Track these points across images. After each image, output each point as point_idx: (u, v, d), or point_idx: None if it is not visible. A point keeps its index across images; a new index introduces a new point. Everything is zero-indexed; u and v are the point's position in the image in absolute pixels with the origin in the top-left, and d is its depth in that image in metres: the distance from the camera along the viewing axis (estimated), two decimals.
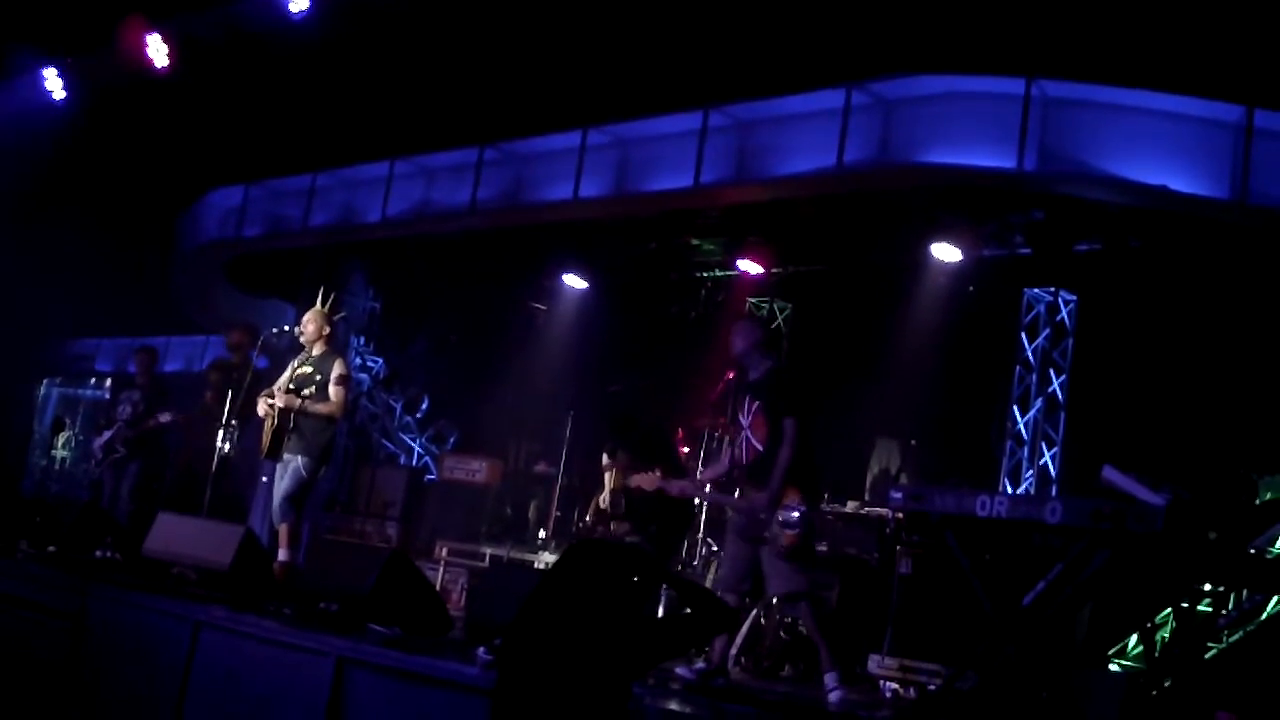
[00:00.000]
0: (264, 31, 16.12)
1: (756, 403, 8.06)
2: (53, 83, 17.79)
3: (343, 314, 10.55)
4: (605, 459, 10.91)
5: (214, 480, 11.00)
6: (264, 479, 11.86)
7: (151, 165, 19.89)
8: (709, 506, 11.51)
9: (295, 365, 10.15)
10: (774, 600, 8.22)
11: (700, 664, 7.97)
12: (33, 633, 9.27)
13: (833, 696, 7.73)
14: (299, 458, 9.93)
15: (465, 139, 15.64)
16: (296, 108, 17.66)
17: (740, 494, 8.20)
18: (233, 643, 8.12)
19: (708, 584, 10.94)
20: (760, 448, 7.98)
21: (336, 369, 10.00)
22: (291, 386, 10.01)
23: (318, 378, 10.01)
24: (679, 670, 7.85)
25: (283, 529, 9.93)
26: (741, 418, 8.19)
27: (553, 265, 15.42)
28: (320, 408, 9.90)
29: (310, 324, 10.22)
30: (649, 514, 10.30)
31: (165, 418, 12.15)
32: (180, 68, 16.16)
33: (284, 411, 9.91)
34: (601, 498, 10.84)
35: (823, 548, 9.60)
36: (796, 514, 7.74)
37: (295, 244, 17.41)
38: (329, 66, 16.69)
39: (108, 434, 12.48)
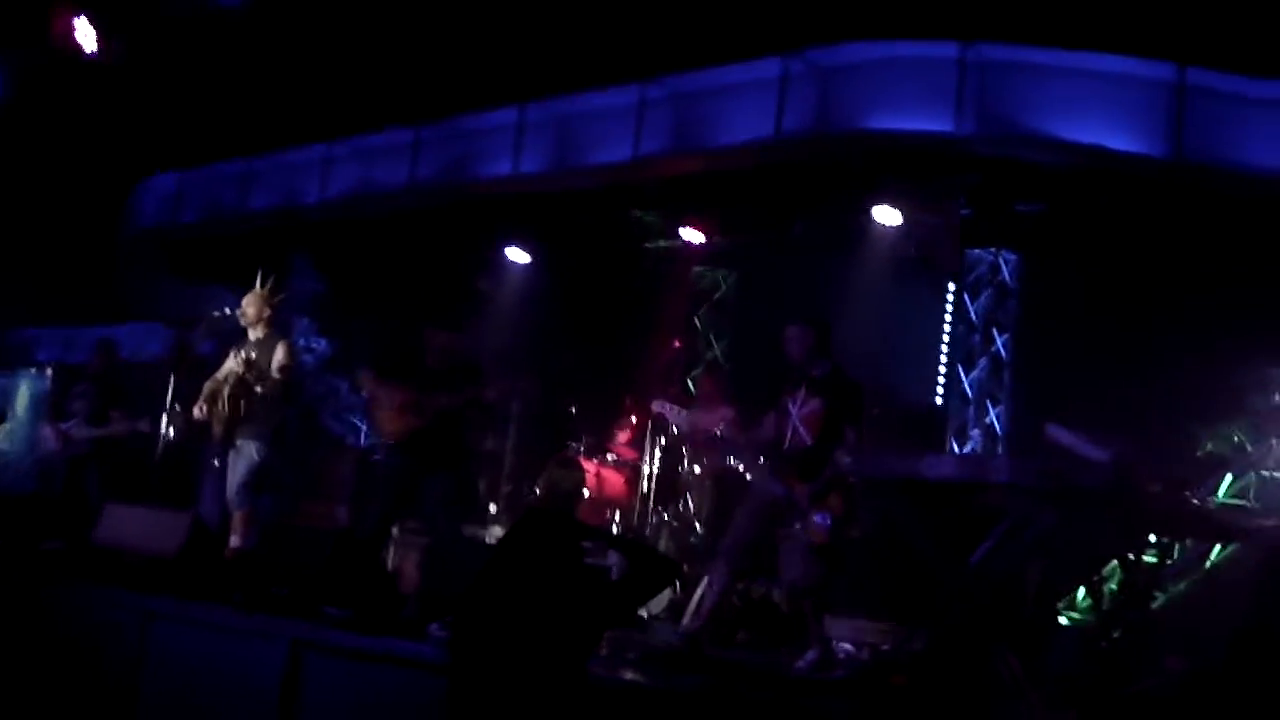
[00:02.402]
0: (195, 14, 15.93)
1: (816, 400, 8.05)
2: None
3: (282, 295, 10.45)
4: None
5: (159, 467, 10.92)
6: (214, 463, 11.77)
7: (86, 152, 19.66)
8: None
9: (238, 351, 10.06)
10: (789, 586, 8.23)
11: (811, 654, 7.94)
12: None
13: (800, 663, 7.82)
14: (252, 442, 9.86)
15: (402, 118, 15.56)
16: (230, 91, 17.48)
17: (778, 477, 8.21)
18: (183, 631, 8.07)
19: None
20: (809, 441, 8.00)
21: (279, 353, 9.92)
22: (239, 373, 9.92)
23: (263, 362, 9.93)
24: (799, 663, 7.86)
25: (238, 515, 9.86)
26: (791, 406, 8.15)
27: (495, 241, 15.36)
28: (268, 389, 9.82)
29: (250, 307, 10.12)
30: None
31: (122, 427, 11.93)
32: (109, 52, 15.94)
33: (234, 397, 9.82)
34: None
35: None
36: (832, 518, 7.79)
37: (234, 229, 17.27)
38: (262, 48, 16.52)
39: (65, 426, 12.27)
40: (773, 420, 8.31)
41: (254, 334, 10.08)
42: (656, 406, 9.45)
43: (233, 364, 10.00)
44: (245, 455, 9.86)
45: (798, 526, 7.91)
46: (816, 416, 8.05)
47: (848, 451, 7.84)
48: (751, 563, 8.22)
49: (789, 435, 8.14)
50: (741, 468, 10.86)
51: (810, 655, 7.92)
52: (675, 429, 11.05)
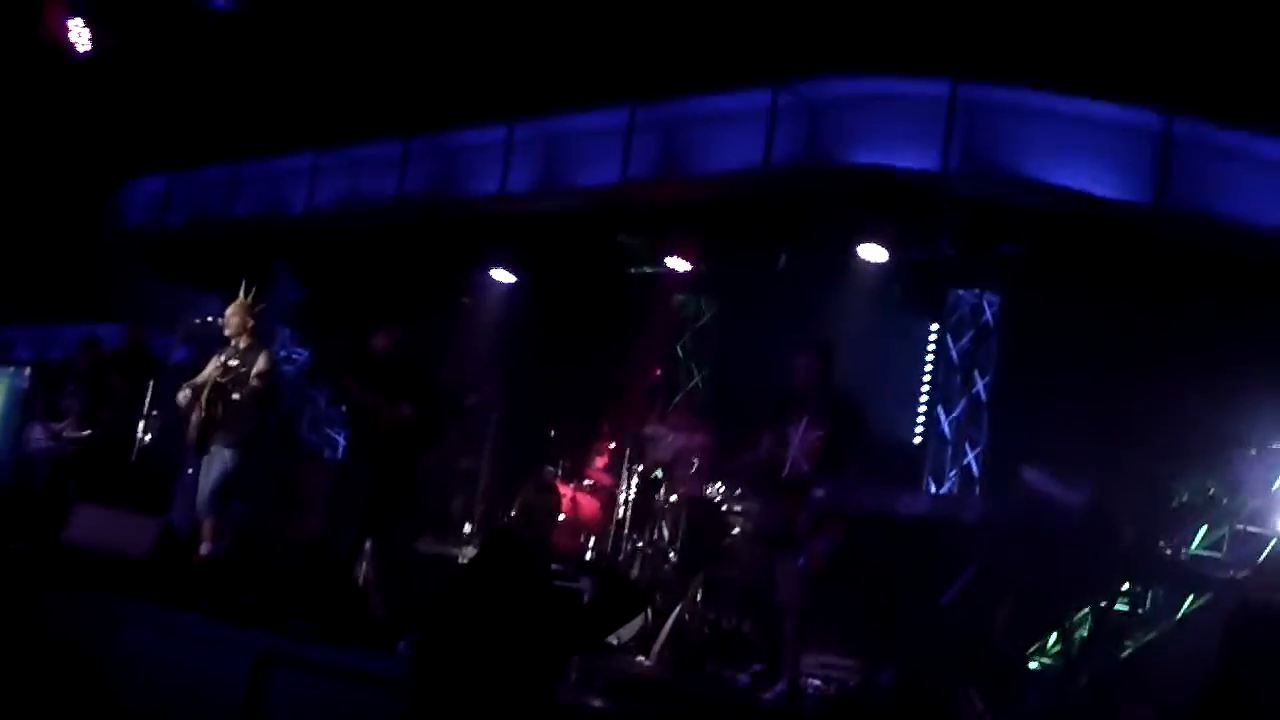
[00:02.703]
0: (188, 18, 15.94)
1: (819, 430, 8.04)
2: None
3: (263, 305, 10.44)
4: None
5: (134, 470, 10.87)
6: (189, 470, 11.72)
7: (74, 151, 19.62)
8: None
9: (220, 358, 10.03)
10: (788, 617, 8.24)
11: (780, 686, 7.96)
12: None
13: (767, 695, 7.82)
14: (225, 450, 9.83)
15: (391, 131, 15.56)
16: (220, 96, 17.47)
17: (772, 501, 8.23)
18: (150, 636, 8.02)
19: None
20: (806, 469, 7.99)
21: (261, 362, 9.91)
22: (218, 379, 9.90)
23: (243, 370, 9.91)
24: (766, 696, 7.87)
25: (207, 522, 9.82)
26: (791, 431, 8.17)
27: (480, 259, 15.33)
28: (246, 397, 9.80)
29: (235, 317, 10.11)
30: None
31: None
32: (102, 53, 15.94)
33: (211, 403, 9.79)
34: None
35: None
36: (835, 545, 7.80)
37: (219, 233, 17.22)
38: (254, 52, 16.54)
39: (58, 426, 12.18)
40: (768, 443, 8.30)
41: (237, 342, 10.07)
42: (650, 430, 9.47)
43: (213, 369, 9.98)
44: (219, 461, 9.83)
45: (797, 554, 7.92)
46: (817, 446, 8.05)
47: (845, 479, 7.85)
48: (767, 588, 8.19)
49: (788, 463, 8.14)
50: (718, 499, 10.86)
51: (779, 687, 7.92)
52: (662, 453, 11.05)
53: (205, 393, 9.81)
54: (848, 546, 7.90)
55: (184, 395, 9.93)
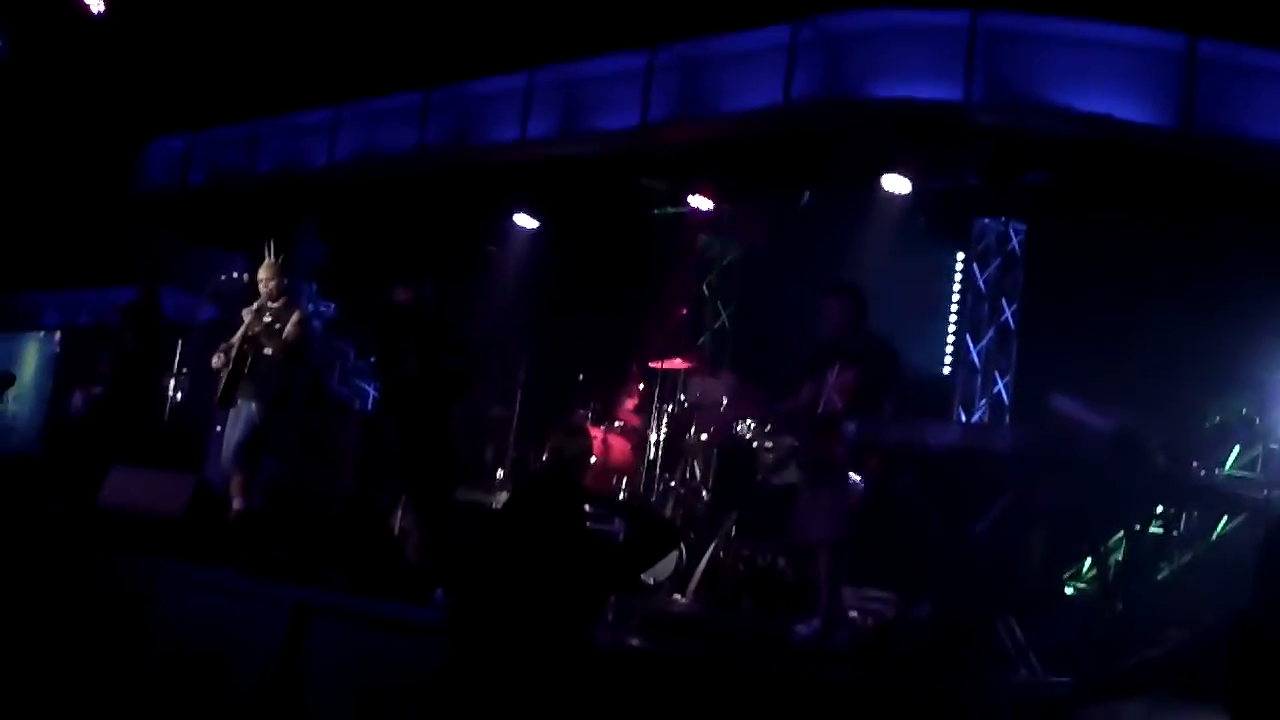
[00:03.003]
0: None
1: (852, 370, 8.07)
2: None
3: (291, 266, 10.50)
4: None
5: (166, 430, 10.94)
6: (219, 428, 11.78)
7: (92, 114, 19.62)
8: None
9: (255, 315, 10.07)
10: (821, 550, 8.27)
11: (815, 622, 8.01)
12: None
13: (802, 629, 7.84)
14: (251, 403, 9.87)
15: (410, 82, 15.50)
16: (238, 53, 17.44)
17: (807, 437, 8.29)
18: (187, 592, 8.10)
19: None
20: (840, 406, 8.02)
21: (294, 319, 9.98)
22: (250, 333, 9.96)
23: (276, 326, 9.96)
24: (800, 628, 7.92)
25: (236, 478, 9.88)
26: (828, 373, 8.20)
27: (503, 207, 15.31)
28: (277, 351, 9.86)
29: (271, 280, 10.15)
30: None
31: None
32: (117, 13, 15.89)
33: (239, 357, 9.84)
34: None
35: None
36: (870, 480, 7.83)
37: (240, 192, 17.23)
38: (269, 9, 16.48)
39: (95, 391, 12.27)
40: (808, 391, 8.35)
41: (271, 302, 10.12)
42: (696, 389, 9.44)
43: (249, 321, 10.03)
44: (245, 415, 9.89)
45: (830, 489, 7.95)
46: (851, 385, 8.06)
47: (883, 419, 7.87)
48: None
49: (822, 402, 8.18)
50: (748, 436, 10.87)
51: (814, 623, 7.94)
52: (718, 400, 11.15)
53: (236, 346, 9.86)
54: (884, 481, 7.91)
55: (218, 358, 9.99)
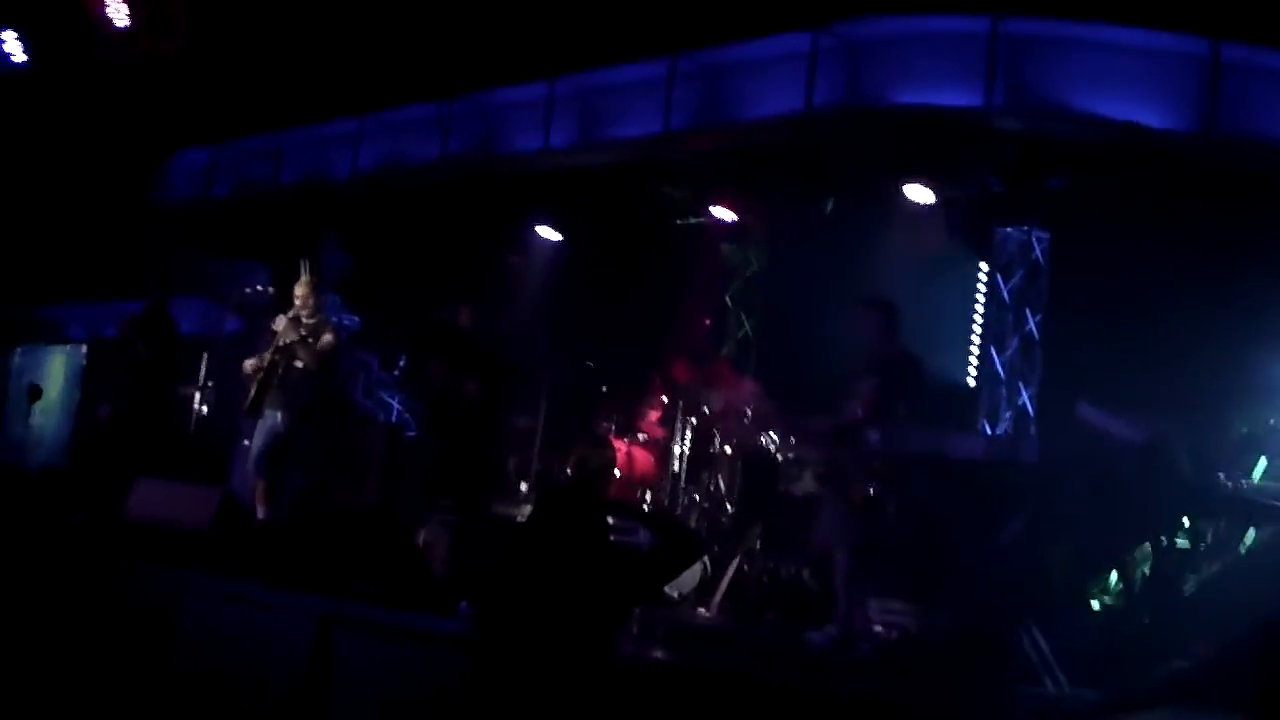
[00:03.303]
0: None
1: (874, 378, 8.16)
2: (12, 45, 17.55)
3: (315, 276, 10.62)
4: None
5: (192, 442, 10.99)
6: (245, 442, 11.83)
7: (117, 126, 19.70)
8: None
9: (288, 327, 10.17)
10: (839, 556, 8.29)
11: (831, 629, 8.04)
12: (8, 603, 9.26)
13: (816, 637, 7.84)
14: (276, 414, 9.94)
15: (432, 93, 15.54)
16: (262, 66, 17.49)
17: (824, 446, 8.38)
18: (214, 605, 8.13)
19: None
20: (860, 414, 8.10)
21: (326, 336, 10.11)
22: (283, 343, 10.05)
23: (310, 340, 10.07)
24: (813, 636, 7.96)
25: (259, 486, 9.94)
26: (855, 385, 8.30)
27: (525, 217, 15.34)
28: (310, 363, 9.97)
29: (310, 297, 10.27)
30: None
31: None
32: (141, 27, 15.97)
33: (270, 368, 9.94)
34: None
35: None
36: (877, 484, 7.85)
37: (265, 203, 17.29)
38: (294, 23, 16.53)
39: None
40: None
41: (302, 313, 10.23)
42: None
43: (281, 331, 10.12)
44: (269, 426, 9.97)
45: (841, 490, 7.98)
46: (871, 393, 8.13)
47: (893, 422, 7.91)
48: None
49: (846, 413, 8.28)
50: (772, 448, 10.88)
51: (830, 630, 7.94)
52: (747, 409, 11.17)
53: (269, 355, 9.97)
54: (894, 487, 7.92)
55: (250, 363, 10.10)
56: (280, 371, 10.02)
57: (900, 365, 8.28)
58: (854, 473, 8.01)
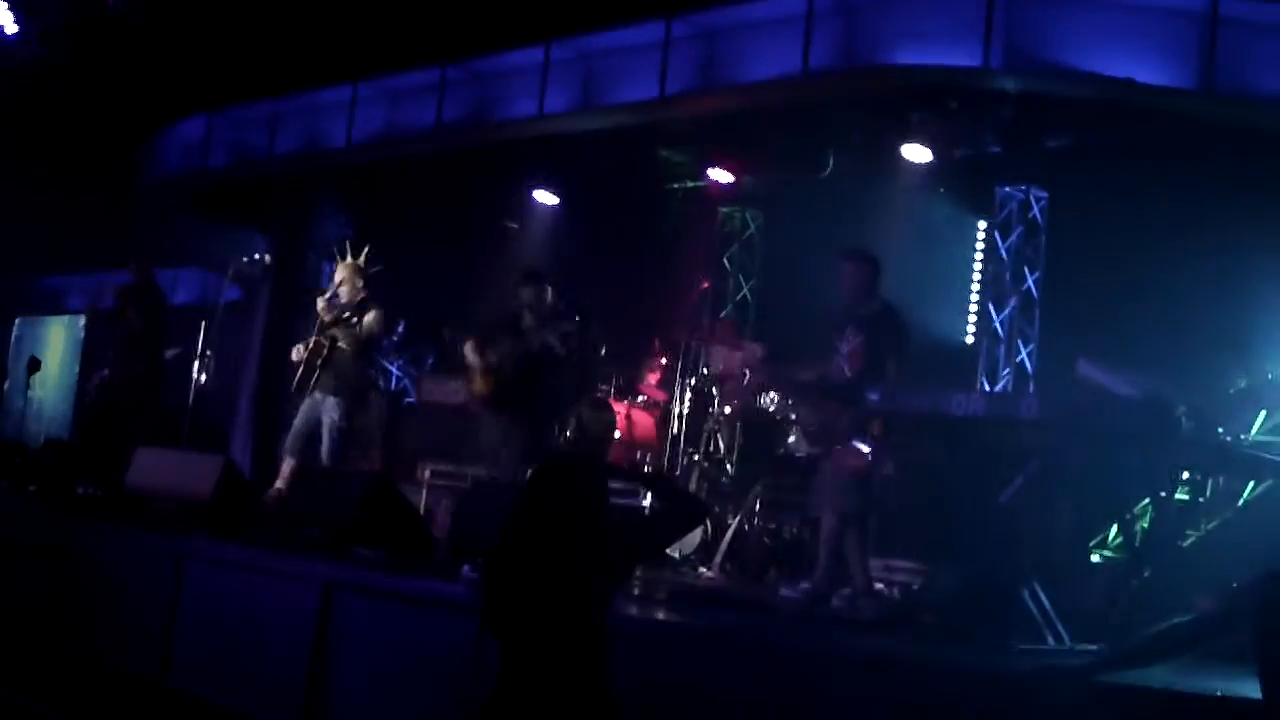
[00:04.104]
0: None
1: (860, 336, 8.13)
2: (4, 16, 17.51)
3: (378, 267, 10.72)
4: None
5: (193, 411, 11.02)
6: (244, 411, 11.86)
7: (112, 96, 19.66)
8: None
9: (328, 308, 10.24)
10: (826, 517, 8.28)
11: (805, 585, 8.07)
12: (17, 572, 9.30)
13: (788, 592, 7.90)
14: (330, 398, 10.01)
15: (428, 59, 15.48)
16: (256, 33, 17.44)
17: (815, 406, 8.35)
18: (217, 573, 8.17)
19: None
20: (849, 374, 8.06)
21: (369, 317, 10.18)
22: (326, 326, 10.12)
23: (354, 321, 10.13)
24: (784, 591, 7.98)
25: (289, 463, 10.05)
26: (838, 343, 8.25)
27: (522, 182, 15.30)
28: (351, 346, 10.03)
29: (355, 279, 10.35)
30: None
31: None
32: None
33: (315, 349, 10.00)
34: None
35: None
36: (871, 445, 7.83)
37: (261, 172, 17.25)
38: None
39: (105, 372, 12.38)
40: (829, 361, 8.41)
41: (344, 297, 10.28)
42: (718, 355, 9.55)
43: (322, 312, 10.18)
44: (326, 413, 10.03)
45: (838, 454, 7.97)
46: (859, 351, 8.11)
47: (888, 383, 7.89)
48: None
49: (833, 370, 8.24)
50: (771, 409, 10.88)
51: (804, 586, 8.00)
52: (746, 370, 11.16)
53: (313, 337, 10.02)
54: (891, 451, 7.92)
55: (297, 349, 10.20)
56: (325, 354, 10.09)
57: (885, 320, 8.23)
58: (847, 436, 8.00)
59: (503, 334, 10.00)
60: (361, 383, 10.48)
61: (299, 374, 10.15)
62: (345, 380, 10.16)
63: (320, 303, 10.39)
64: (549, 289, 10.26)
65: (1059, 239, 12.64)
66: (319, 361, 10.09)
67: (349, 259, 10.47)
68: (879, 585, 8.72)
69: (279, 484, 9.99)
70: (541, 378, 9.88)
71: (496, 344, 9.93)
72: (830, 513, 8.13)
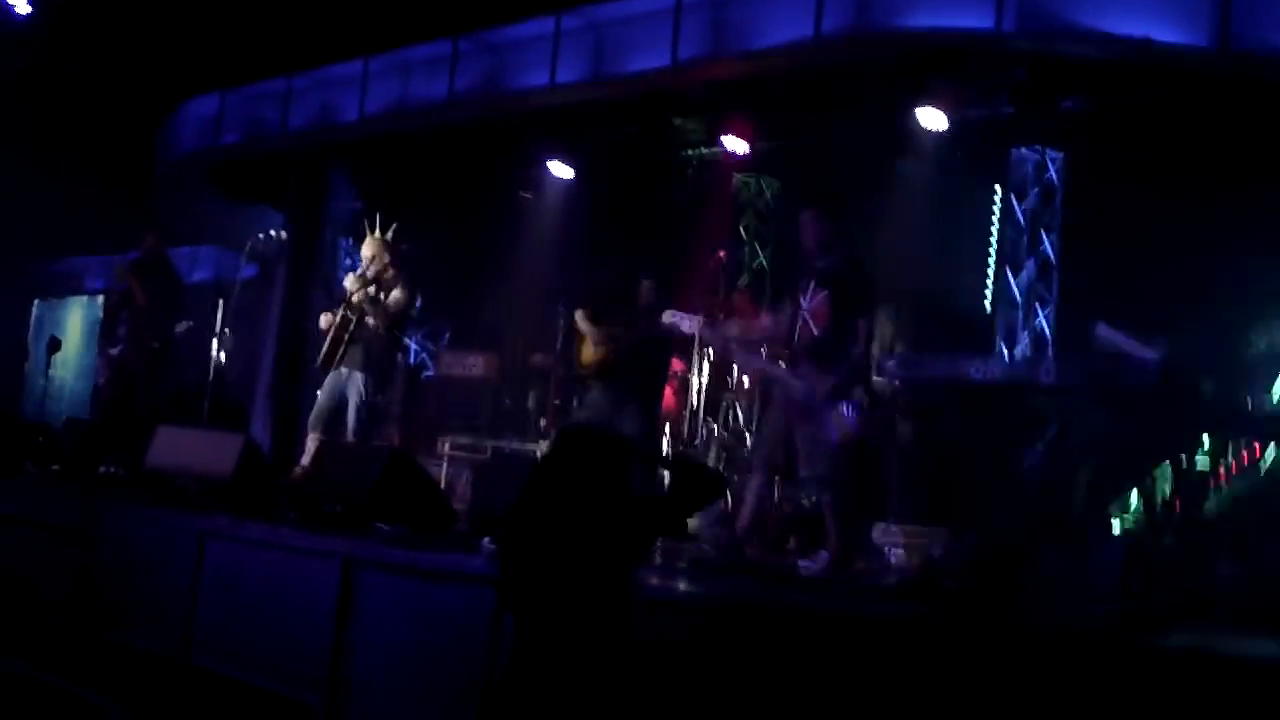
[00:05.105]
0: None
1: (824, 291, 7.96)
2: None
3: (405, 245, 10.73)
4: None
5: (212, 390, 11.04)
6: (262, 388, 11.85)
7: (128, 77, 19.67)
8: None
9: (357, 284, 10.24)
10: (802, 478, 8.21)
11: (825, 556, 8.01)
12: (42, 551, 9.35)
13: (807, 567, 7.85)
14: (357, 373, 10.02)
15: (439, 31, 15.44)
16: (268, 9, 17.42)
17: (792, 369, 8.16)
18: (239, 551, 8.19)
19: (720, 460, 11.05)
20: (816, 333, 7.92)
21: (397, 291, 10.17)
22: (354, 300, 10.12)
23: (382, 296, 10.13)
24: (803, 563, 7.94)
25: (313, 438, 10.06)
26: (801, 299, 8.10)
27: (536, 154, 15.28)
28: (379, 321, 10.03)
29: (383, 254, 10.35)
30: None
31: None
32: None
33: (342, 323, 10.00)
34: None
35: None
36: (857, 411, 7.75)
37: (275, 148, 17.26)
38: None
39: (113, 352, 12.43)
40: (785, 315, 8.25)
41: (372, 273, 10.28)
42: (667, 317, 9.46)
43: (350, 288, 10.18)
44: (353, 388, 10.03)
45: (822, 421, 7.87)
46: (824, 310, 7.93)
47: (858, 343, 7.79)
48: (784, 460, 8.20)
49: (798, 327, 8.07)
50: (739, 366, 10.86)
51: (822, 556, 7.92)
52: (701, 339, 10.99)
53: (341, 311, 10.02)
54: (881, 413, 7.88)
55: (325, 318, 10.20)
56: (353, 328, 10.09)
57: (846, 277, 8.02)
58: (831, 401, 7.84)
59: (617, 309, 10.12)
60: (389, 359, 10.48)
61: (325, 348, 10.15)
62: (373, 356, 10.17)
63: (349, 278, 10.40)
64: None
65: (1076, 201, 12.58)
66: (345, 336, 10.09)
67: (376, 234, 10.45)
68: (899, 551, 8.70)
69: (306, 459, 10.01)
70: (657, 355, 10.05)
71: (609, 318, 10.05)
72: (819, 484, 8.04)
